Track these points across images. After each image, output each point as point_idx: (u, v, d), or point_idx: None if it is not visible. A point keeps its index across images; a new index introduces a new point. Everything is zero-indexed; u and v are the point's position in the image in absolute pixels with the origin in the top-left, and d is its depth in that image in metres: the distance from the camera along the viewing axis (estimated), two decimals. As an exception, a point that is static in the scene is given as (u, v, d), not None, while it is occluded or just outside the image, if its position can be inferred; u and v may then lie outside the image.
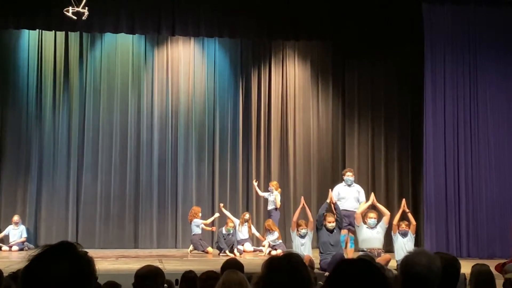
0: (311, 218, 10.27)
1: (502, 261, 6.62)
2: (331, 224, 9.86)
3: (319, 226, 9.93)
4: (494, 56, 12.36)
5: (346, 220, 10.65)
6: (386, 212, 10.13)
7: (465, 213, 12.12)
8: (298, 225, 10.08)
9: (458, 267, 3.29)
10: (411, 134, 13.89)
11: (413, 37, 12.86)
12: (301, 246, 9.93)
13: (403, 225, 9.86)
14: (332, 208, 10.22)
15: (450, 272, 3.01)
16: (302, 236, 10.04)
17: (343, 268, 2.11)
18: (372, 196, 10.61)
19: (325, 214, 9.99)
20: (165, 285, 4.33)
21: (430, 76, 12.35)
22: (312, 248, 10.28)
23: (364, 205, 10.63)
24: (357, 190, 11.07)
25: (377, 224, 10.07)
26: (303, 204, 10.48)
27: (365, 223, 10.07)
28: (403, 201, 10.37)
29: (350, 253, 10.49)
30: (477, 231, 12.08)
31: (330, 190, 10.88)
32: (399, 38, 13.27)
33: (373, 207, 10.48)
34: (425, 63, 12.41)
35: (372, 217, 10.10)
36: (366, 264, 2.14)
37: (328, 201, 10.33)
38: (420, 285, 2.73)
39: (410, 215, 10.08)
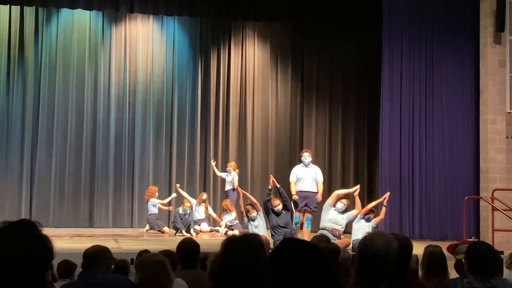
0: (254, 200, 10.49)
1: (454, 242, 6.78)
2: (277, 208, 10.03)
3: (267, 211, 10.09)
4: (449, 39, 12.52)
5: (303, 201, 10.73)
6: (359, 208, 10.23)
7: (418, 196, 12.36)
8: (246, 211, 10.19)
9: (410, 247, 3.38)
10: (367, 117, 14.05)
11: (373, 21, 12.94)
12: (255, 229, 10.01)
13: (371, 214, 10.04)
14: (277, 192, 10.39)
15: (402, 252, 3.08)
16: (253, 220, 10.14)
17: (284, 247, 2.14)
18: (358, 187, 10.68)
19: (270, 198, 10.12)
20: (113, 266, 4.33)
21: (388, 60, 12.49)
22: (267, 228, 10.37)
23: (346, 190, 10.88)
24: (315, 171, 11.14)
25: (345, 212, 10.23)
26: (242, 193, 10.80)
27: (334, 205, 10.21)
28: (387, 194, 10.58)
29: (306, 234, 10.57)
30: (429, 214, 12.34)
31: (271, 175, 11.13)
32: (358, 21, 13.33)
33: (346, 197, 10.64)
34: (383, 46, 12.52)
35: (343, 202, 10.25)
36: (306, 244, 2.17)
37: (269, 187, 10.50)
38: (377, 265, 2.78)
39: (384, 210, 10.32)
